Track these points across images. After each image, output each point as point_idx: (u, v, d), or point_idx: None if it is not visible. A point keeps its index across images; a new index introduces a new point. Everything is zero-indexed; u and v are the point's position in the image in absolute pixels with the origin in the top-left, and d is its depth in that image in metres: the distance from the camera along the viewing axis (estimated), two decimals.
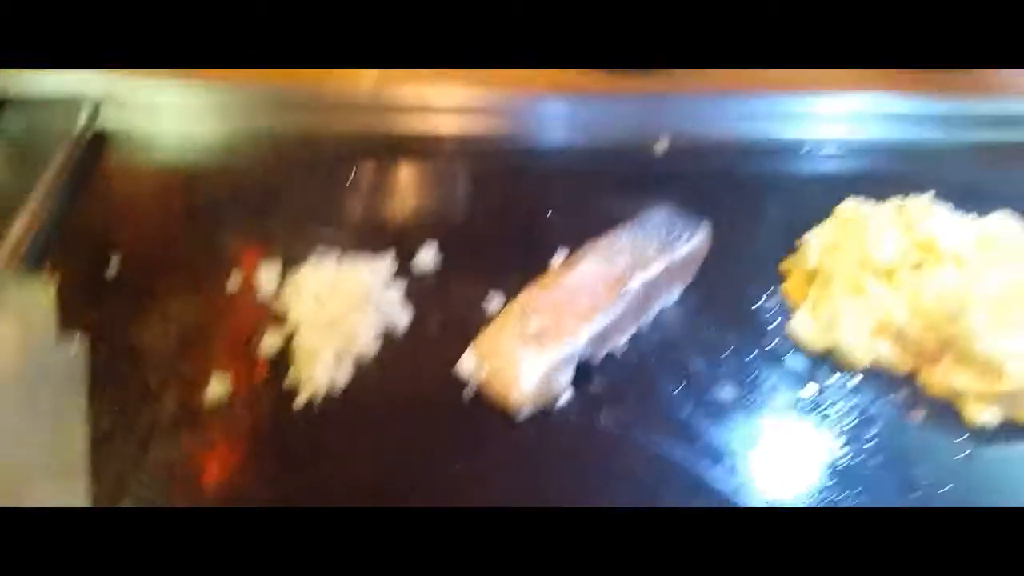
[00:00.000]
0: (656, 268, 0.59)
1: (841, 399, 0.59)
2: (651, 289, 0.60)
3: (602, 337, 0.57)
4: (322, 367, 0.54)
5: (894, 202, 0.69)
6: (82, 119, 0.75)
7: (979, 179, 0.85)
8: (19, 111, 0.75)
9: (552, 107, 0.86)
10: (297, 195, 0.73)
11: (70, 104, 0.76)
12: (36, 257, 0.62)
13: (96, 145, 0.74)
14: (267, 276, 0.61)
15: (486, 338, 0.56)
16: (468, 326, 0.58)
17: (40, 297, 0.57)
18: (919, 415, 0.57)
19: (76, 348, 0.54)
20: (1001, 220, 0.68)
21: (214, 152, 0.78)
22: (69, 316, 0.57)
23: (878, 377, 0.61)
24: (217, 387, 0.53)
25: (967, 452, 0.55)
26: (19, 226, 0.62)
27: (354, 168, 0.76)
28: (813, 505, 0.52)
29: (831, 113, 0.90)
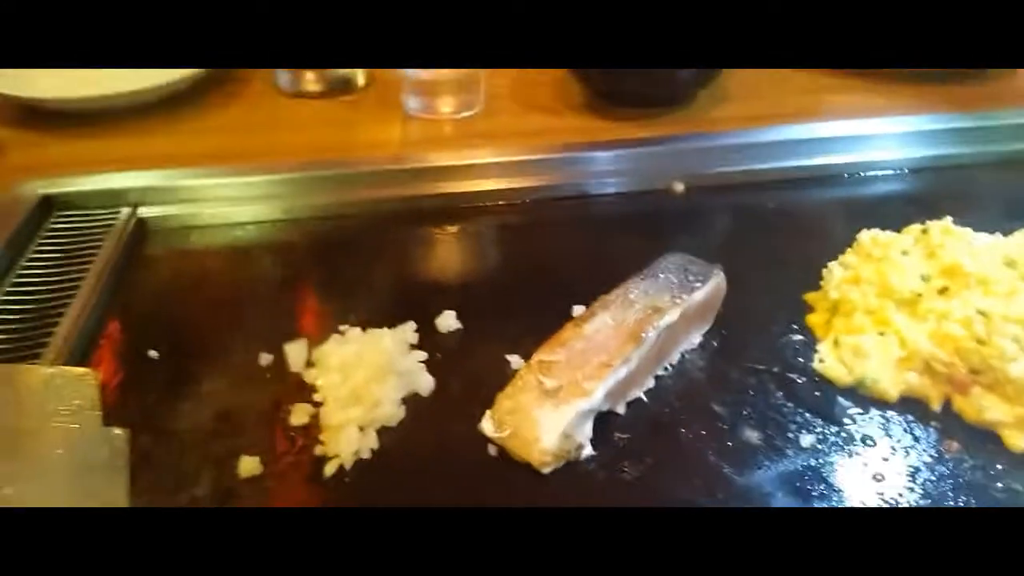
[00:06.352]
0: (671, 316, 0.59)
1: (873, 433, 0.58)
2: (668, 337, 0.60)
3: (620, 389, 0.57)
4: (347, 438, 0.55)
5: (914, 228, 0.68)
6: (124, 213, 0.80)
7: (1000, 195, 0.84)
8: (65, 210, 0.80)
9: (567, 158, 0.87)
10: (323, 271, 0.76)
11: (112, 200, 0.81)
12: (83, 350, 0.65)
13: (137, 237, 0.79)
14: (295, 352, 0.63)
15: (505, 398, 0.57)
16: (491, 386, 0.59)
17: (87, 391, 0.60)
18: (953, 447, 0.56)
19: (120, 437, 0.57)
20: None
21: (245, 236, 0.81)
22: (114, 406, 0.60)
23: (911, 408, 0.60)
24: (249, 463, 0.55)
25: (1008, 482, 0.54)
26: (67, 322, 0.66)
27: (374, 239, 0.79)
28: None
29: (845, 138, 0.90)
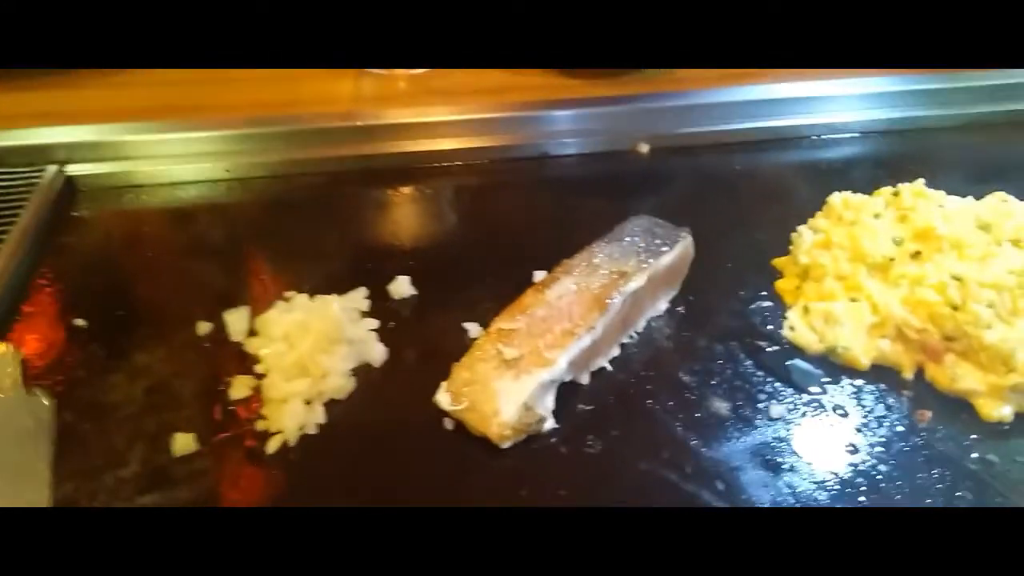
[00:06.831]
0: (638, 281, 0.56)
1: (844, 403, 0.56)
2: (634, 303, 0.57)
3: (584, 358, 0.54)
4: (291, 412, 0.51)
5: (886, 190, 0.66)
6: (50, 171, 0.74)
7: (966, 158, 0.82)
8: None
9: (527, 117, 0.83)
10: (268, 233, 0.71)
11: (37, 156, 0.75)
12: (3, 319, 0.60)
13: (65, 197, 0.73)
14: (236, 320, 0.59)
15: (462, 369, 0.53)
16: (447, 356, 0.56)
17: (8, 362, 0.56)
18: (926, 416, 0.54)
19: (45, 408, 0.52)
20: (1000, 200, 0.64)
21: (185, 196, 0.76)
22: (37, 378, 0.55)
23: (883, 377, 0.58)
24: (184, 440, 0.51)
25: (982, 452, 0.52)
26: None
27: (324, 200, 0.75)
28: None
29: (812, 98, 0.87)
